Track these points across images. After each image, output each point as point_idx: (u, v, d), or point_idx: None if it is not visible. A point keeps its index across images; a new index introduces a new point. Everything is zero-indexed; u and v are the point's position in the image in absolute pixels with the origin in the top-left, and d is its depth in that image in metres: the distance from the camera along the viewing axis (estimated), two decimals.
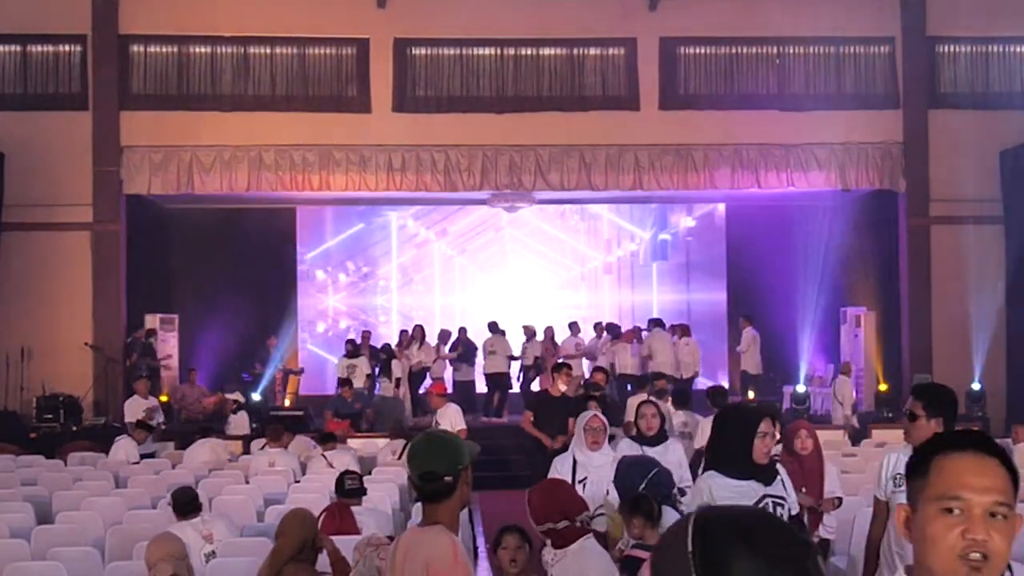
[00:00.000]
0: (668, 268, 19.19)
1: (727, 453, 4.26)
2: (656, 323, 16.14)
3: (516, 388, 16.28)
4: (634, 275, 19.30)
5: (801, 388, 15.91)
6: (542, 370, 16.06)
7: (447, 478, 3.06)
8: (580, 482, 5.95)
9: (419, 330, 16.24)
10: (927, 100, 16.27)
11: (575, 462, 6.13)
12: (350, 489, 6.71)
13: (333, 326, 18.96)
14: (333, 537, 5.31)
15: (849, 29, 16.17)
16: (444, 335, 16.51)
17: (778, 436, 4.80)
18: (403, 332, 16.62)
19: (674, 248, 19.26)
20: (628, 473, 5.10)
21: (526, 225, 18.59)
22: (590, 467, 6.07)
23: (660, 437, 6.53)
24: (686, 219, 19.22)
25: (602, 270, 19.30)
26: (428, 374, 16.03)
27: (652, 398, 8.14)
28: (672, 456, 6.35)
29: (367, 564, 4.26)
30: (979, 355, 15.55)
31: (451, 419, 9.93)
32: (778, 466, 4.48)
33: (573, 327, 16.78)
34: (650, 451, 6.24)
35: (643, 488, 4.80)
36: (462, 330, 16.52)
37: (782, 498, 4.33)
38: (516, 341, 16.49)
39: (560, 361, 11.39)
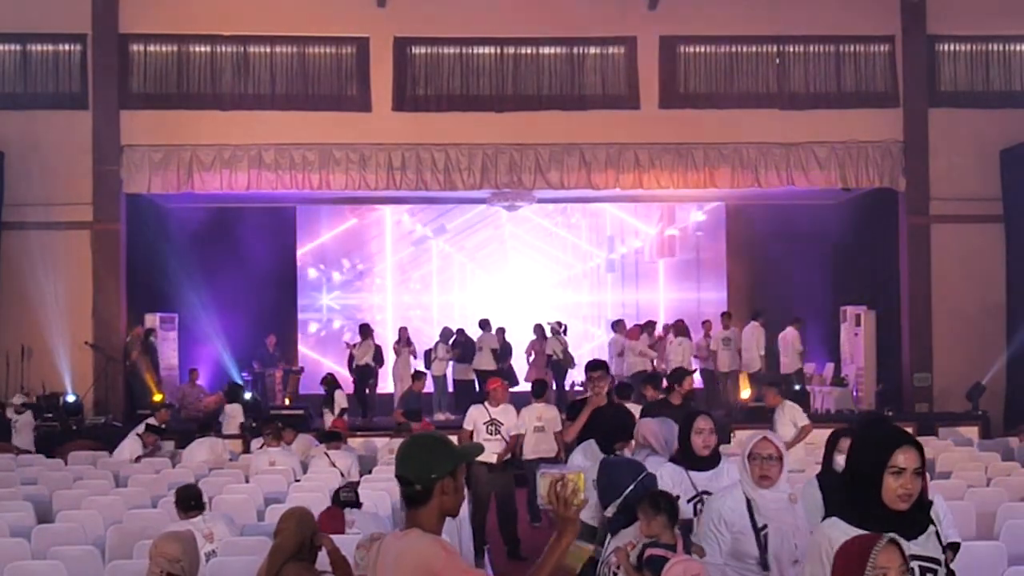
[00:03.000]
0: (676, 265, 18.96)
1: (852, 490, 3.14)
2: (754, 316, 16.22)
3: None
4: (639, 273, 19.09)
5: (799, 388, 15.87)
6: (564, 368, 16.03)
7: (417, 487, 2.97)
8: (761, 531, 4.36)
9: (365, 328, 16.34)
10: (927, 99, 16.27)
11: (749, 504, 4.41)
12: (345, 500, 6.65)
13: (327, 325, 18.74)
14: (332, 535, 5.30)
15: (849, 28, 16.18)
16: (446, 334, 16.51)
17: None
18: (402, 329, 16.62)
19: (683, 244, 19.01)
20: (617, 473, 4.77)
21: (526, 222, 18.43)
22: (767, 510, 4.36)
23: (712, 459, 5.21)
24: (696, 213, 18.95)
25: (605, 268, 19.12)
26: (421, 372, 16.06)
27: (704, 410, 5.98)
28: (727, 483, 5.06)
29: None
30: (984, 354, 15.53)
31: (511, 421, 9.28)
32: (937, 508, 3.40)
33: (618, 326, 16.72)
34: (699, 477, 5.09)
35: (632, 489, 4.67)
36: (459, 331, 16.52)
37: (935, 561, 3.10)
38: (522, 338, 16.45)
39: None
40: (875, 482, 3.06)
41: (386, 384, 16.69)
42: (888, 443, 3.10)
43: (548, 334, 16.21)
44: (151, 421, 11.85)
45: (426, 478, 2.96)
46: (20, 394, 14.07)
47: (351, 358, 16.34)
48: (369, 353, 16.05)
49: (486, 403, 9.36)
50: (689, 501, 5.06)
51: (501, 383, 9.72)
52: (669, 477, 5.07)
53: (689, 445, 5.18)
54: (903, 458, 3.05)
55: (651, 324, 16.90)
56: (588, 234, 19.12)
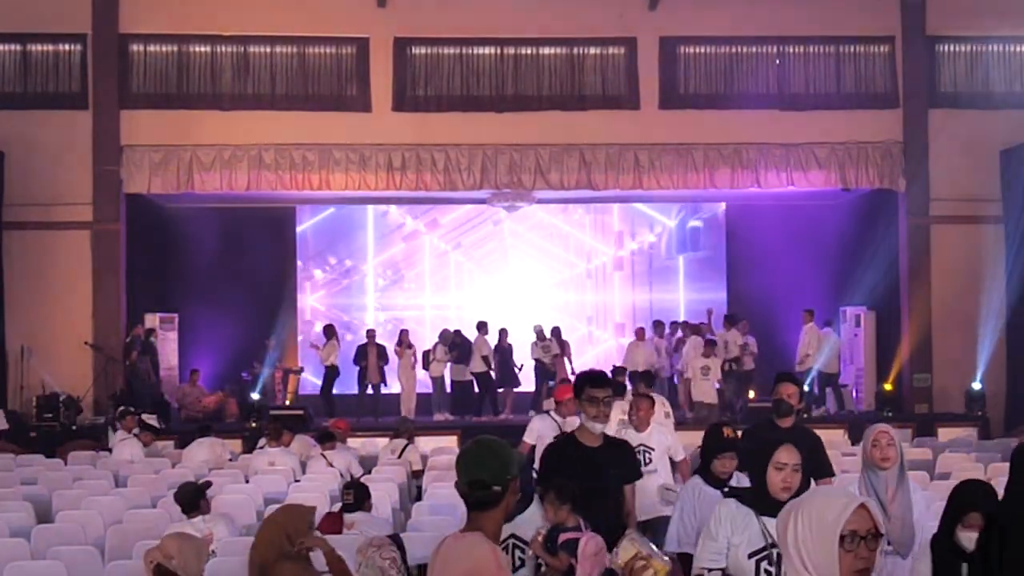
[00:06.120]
0: (697, 261, 18.44)
1: None
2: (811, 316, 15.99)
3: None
4: (651, 270, 18.51)
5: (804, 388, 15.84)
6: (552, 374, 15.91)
7: (495, 488, 2.99)
8: None
9: (329, 329, 16.38)
10: (927, 99, 16.28)
11: None
12: (345, 505, 6.54)
13: (307, 327, 18.27)
14: (328, 537, 5.28)
15: (849, 29, 16.19)
16: (444, 335, 16.48)
17: None
18: (403, 332, 16.56)
19: (709, 236, 18.49)
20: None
21: (526, 219, 17.97)
22: None
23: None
24: (722, 205, 18.41)
25: (612, 266, 18.59)
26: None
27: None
28: None
29: (370, 565, 4.23)
30: (979, 355, 15.53)
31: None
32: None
33: (654, 327, 16.42)
34: (774, 524, 3.40)
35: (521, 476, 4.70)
36: (457, 332, 16.47)
37: None
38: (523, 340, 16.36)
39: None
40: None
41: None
42: None
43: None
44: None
45: (503, 479, 3.00)
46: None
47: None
48: (334, 353, 16.05)
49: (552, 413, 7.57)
50: (752, 556, 3.78)
51: (561, 390, 7.82)
52: (728, 520, 3.85)
53: (764, 483, 3.83)
54: None
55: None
56: (592, 231, 18.62)
